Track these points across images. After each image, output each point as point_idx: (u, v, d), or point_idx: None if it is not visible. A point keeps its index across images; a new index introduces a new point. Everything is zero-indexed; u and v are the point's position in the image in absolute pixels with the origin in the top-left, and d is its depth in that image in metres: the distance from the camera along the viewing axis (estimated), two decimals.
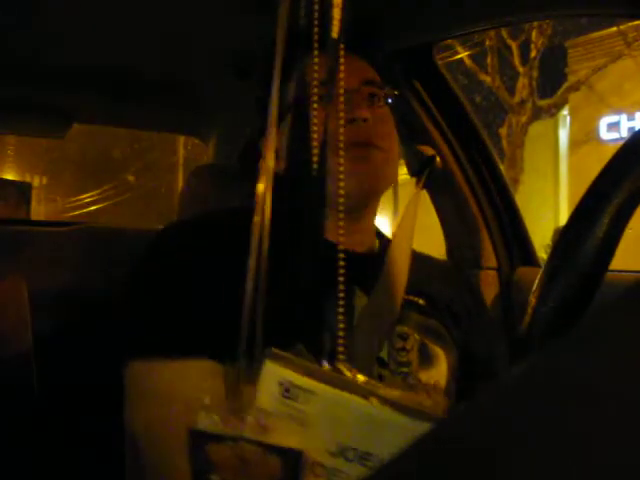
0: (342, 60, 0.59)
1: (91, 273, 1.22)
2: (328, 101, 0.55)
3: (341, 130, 0.57)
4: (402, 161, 1.16)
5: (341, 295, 0.59)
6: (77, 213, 14.89)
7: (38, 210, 13.55)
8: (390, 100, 0.95)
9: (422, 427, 0.48)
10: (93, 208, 15.05)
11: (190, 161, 12.34)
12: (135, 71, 1.61)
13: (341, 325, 0.61)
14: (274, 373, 0.48)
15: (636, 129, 0.58)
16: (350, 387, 0.48)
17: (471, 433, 0.22)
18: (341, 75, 0.53)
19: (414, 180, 1.08)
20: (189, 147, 12.75)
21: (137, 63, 1.57)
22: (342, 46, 0.50)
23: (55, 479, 1.05)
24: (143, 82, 1.69)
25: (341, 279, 0.59)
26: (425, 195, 1.47)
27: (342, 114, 0.54)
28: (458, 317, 1.01)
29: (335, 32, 0.47)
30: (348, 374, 0.50)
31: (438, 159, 1.12)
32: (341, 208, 0.66)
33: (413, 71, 1.45)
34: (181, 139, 12.22)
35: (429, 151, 1.14)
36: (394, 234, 0.98)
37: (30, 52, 1.47)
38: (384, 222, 1.12)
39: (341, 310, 0.63)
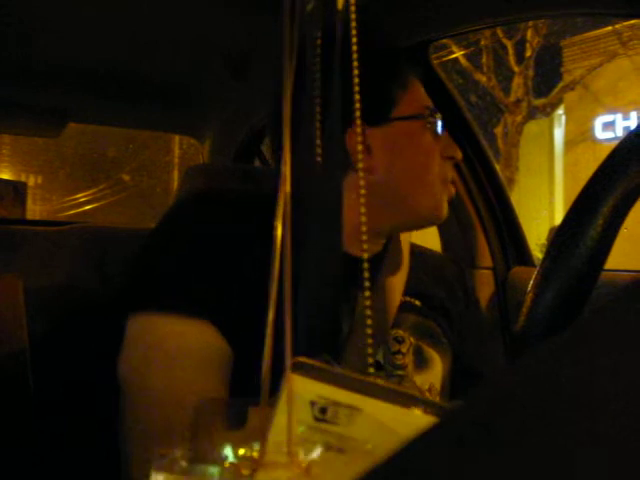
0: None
1: (86, 272, 1.21)
2: None
3: (360, 155, 0.56)
4: None
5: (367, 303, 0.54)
6: (72, 212, 14.83)
7: (33, 209, 13.50)
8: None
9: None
10: (88, 207, 14.99)
11: (186, 160, 12.31)
12: (131, 71, 1.61)
13: (369, 331, 0.58)
14: (304, 389, 0.36)
15: (631, 128, 0.58)
16: (395, 397, 0.37)
17: (468, 435, 0.22)
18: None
19: None
20: (184, 146, 12.73)
21: (133, 63, 1.57)
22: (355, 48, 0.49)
23: (52, 478, 1.05)
24: (139, 82, 1.69)
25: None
26: None
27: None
28: (452, 316, 1.01)
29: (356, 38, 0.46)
30: (380, 382, 0.38)
31: None
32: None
33: None
34: (176, 138, 12.19)
35: None
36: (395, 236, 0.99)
37: (27, 52, 1.46)
38: None
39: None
